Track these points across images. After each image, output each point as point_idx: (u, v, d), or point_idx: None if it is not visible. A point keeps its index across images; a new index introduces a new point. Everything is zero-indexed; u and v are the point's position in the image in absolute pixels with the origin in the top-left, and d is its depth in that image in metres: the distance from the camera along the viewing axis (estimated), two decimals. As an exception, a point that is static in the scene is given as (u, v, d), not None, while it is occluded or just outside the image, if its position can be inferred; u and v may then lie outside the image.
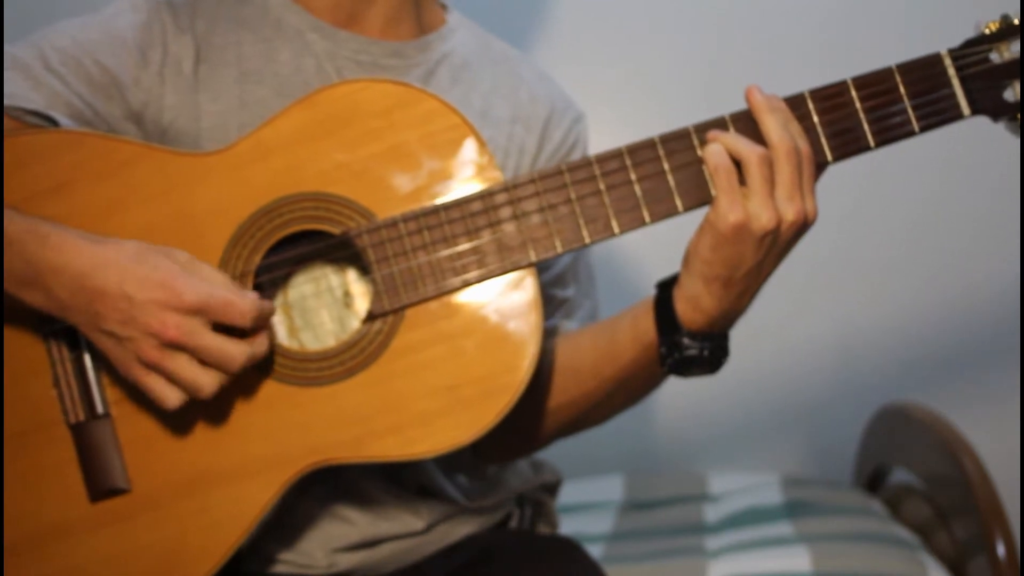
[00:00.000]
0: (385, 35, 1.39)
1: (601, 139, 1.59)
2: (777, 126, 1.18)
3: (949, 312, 2.52)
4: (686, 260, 1.22)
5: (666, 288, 1.25)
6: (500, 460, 1.45)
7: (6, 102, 1.26)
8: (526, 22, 2.48)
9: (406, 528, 1.36)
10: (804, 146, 1.19)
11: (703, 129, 1.21)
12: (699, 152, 1.20)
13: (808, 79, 1.31)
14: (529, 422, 1.36)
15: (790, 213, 1.17)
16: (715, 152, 1.18)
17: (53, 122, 1.26)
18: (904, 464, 2.24)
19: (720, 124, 1.21)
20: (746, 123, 1.20)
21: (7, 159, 1.22)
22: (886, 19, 2.45)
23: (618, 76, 2.52)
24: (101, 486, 1.22)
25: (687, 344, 1.23)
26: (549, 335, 1.35)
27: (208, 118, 1.31)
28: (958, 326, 2.52)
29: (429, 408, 1.19)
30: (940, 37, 1.30)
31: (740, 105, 1.22)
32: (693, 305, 1.22)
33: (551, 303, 1.41)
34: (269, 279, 1.24)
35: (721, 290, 1.21)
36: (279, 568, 1.33)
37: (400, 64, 1.37)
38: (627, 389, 1.34)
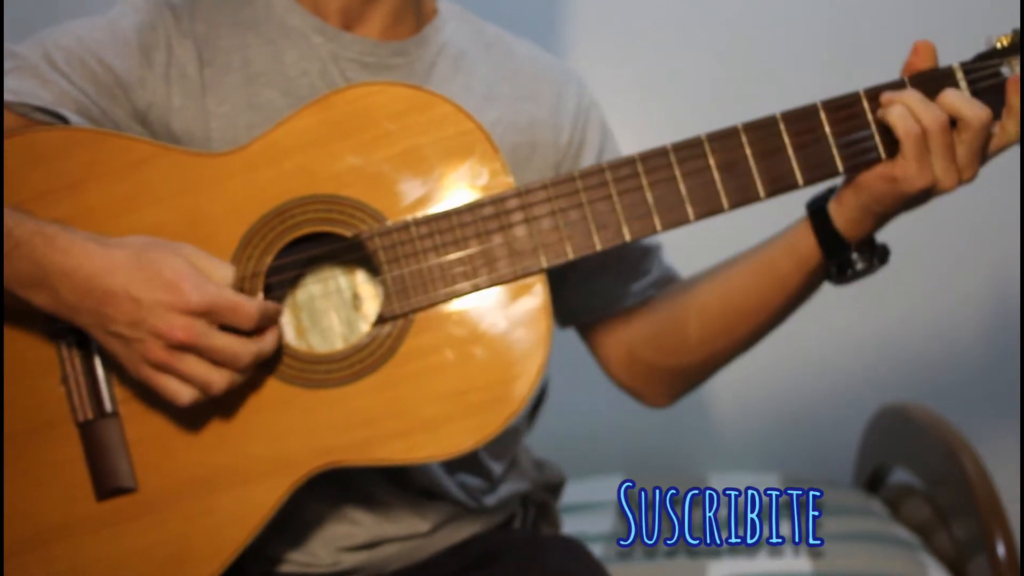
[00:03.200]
0: (386, 35, 1.38)
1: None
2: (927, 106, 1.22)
3: (949, 312, 2.51)
4: (856, 189, 1.27)
5: (819, 212, 1.31)
6: (665, 403, 1.54)
7: (14, 99, 1.25)
8: (532, 24, 2.47)
9: (411, 529, 1.36)
10: (980, 111, 1.22)
11: (715, 138, 1.21)
12: (711, 160, 1.21)
13: (814, 83, 1.31)
14: (696, 372, 1.49)
15: (967, 175, 1.25)
16: (903, 115, 1.21)
17: (61, 118, 1.26)
18: (904, 464, 2.23)
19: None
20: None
21: (22, 156, 1.22)
22: (895, 26, 2.44)
23: (623, 79, 2.51)
24: (108, 485, 1.22)
25: (856, 259, 1.32)
26: (668, 298, 1.46)
27: (216, 119, 1.31)
28: (958, 326, 2.51)
29: (436, 413, 1.20)
30: (948, 47, 1.30)
31: (747, 110, 1.22)
32: (854, 225, 1.30)
33: (648, 288, 1.48)
34: (279, 280, 1.24)
35: (882, 220, 1.30)
36: (283, 567, 1.33)
37: (404, 62, 1.37)
38: (788, 312, 1.42)
